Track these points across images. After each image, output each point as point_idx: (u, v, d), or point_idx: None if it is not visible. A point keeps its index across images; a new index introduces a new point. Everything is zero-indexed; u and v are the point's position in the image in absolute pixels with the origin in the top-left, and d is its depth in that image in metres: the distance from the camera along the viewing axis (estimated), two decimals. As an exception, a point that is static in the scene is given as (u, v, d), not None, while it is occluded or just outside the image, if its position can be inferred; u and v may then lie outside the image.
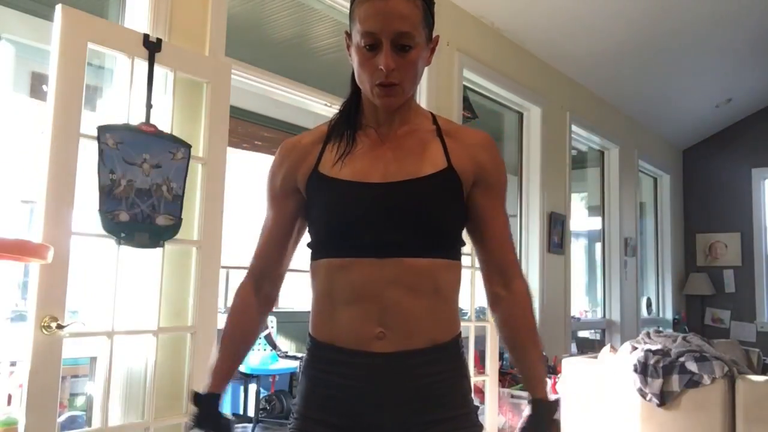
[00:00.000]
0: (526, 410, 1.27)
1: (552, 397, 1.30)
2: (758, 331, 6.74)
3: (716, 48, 5.28)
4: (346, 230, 1.22)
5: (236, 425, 5.22)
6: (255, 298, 1.36)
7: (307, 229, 1.34)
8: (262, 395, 5.25)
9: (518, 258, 1.37)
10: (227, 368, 1.34)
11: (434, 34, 1.28)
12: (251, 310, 1.37)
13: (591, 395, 3.34)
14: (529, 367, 1.30)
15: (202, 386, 1.31)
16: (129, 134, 2.18)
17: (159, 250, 2.27)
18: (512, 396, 3.76)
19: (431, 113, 1.35)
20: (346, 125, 1.30)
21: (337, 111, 1.35)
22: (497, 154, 1.33)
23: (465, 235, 1.32)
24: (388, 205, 1.21)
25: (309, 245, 1.29)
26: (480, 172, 1.28)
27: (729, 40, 5.17)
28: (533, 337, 1.31)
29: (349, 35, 1.27)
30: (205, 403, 1.27)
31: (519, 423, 1.26)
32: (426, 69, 1.30)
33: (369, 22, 1.18)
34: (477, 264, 4.00)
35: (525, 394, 3.70)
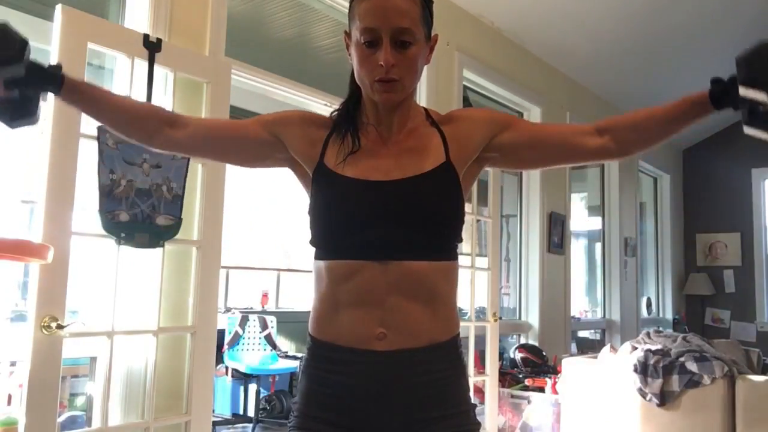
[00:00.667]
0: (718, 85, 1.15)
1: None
2: (758, 331, 6.74)
3: (716, 47, 5.28)
4: (350, 228, 1.22)
5: (236, 425, 5.23)
6: (162, 121, 1.30)
7: (238, 163, 1.37)
8: (262, 395, 5.24)
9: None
10: (94, 90, 1.28)
11: (433, 33, 1.29)
12: (150, 115, 1.31)
13: (591, 395, 3.34)
14: (669, 108, 1.24)
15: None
16: (129, 134, 2.18)
17: (159, 250, 2.27)
18: (512, 396, 3.76)
19: (424, 108, 1.36)
20: (347, 123, 1.30)
21: (335, 109, 1.35)
22: (485, 111, 1.38)
23: (463, 233, 1.32)
24: (390, 202, 1.21)
25: (311, 242, 1.29)
26: (489, 130, 1.30)
27: (729, 39, 5.17)
28: (646, 110, 1.26)
29: (348, 35, 1.27)
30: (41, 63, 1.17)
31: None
32: (426, 69, 1.30)
33: (368, 18, 1.19)
34: (477, 264, 3.98)
35: (525, 394, 3.71)
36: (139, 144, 1.33)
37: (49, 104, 2.02)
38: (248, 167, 1.43)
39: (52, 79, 1.19)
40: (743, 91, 1.10)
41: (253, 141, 1.32)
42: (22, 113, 1.18)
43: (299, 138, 1.31)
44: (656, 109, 1.26)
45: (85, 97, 1.26)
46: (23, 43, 1.13)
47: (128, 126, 1.31)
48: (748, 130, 1.14)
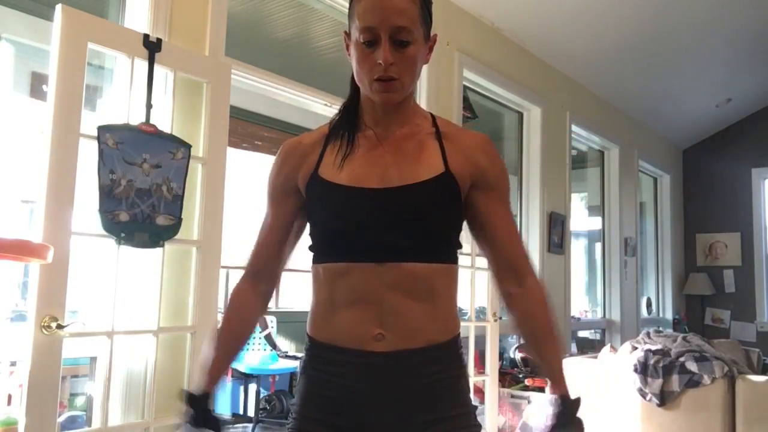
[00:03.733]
0: (551, 409, 1.26)
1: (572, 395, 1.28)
2: (758, 331, 6.74)
3: (716, 48, 5.28)
4: (345, 236, 1.22)
5: (236, 425, 5.22)
6: (252, 296, 1.36)
7: (306, 230, 1.35)
8: (262, 395, 5.24)
9: (529, 254, 1.35)
10: (221, 366, 1.34)
11: (432, 33, 1.28)
12: (248, 309, 1.36)
13: (591, 395, 3.34)
14: (548, 363, 1.30)
15: (194, 385, 1.30)
16: (129, 134, 2.18)
17: (159, 250, 2.27)
18: (512, 396, 3.76)
19: (431, 114, 1.35)
20: (346, 126, 1.30)
21: (337, 111, 1.35)
22: (496, 155, 1.32)
23: (462, 238, 1.32)
24: (386, 211, 1.21)
25: (310, 248, 1.29)
26: (479, 175, 1.28)
27: (729, 39, 5.17)
28: (551, 332, 1.30)
29: (347, 34, 1.27)
30: (199, 403, 1.27)
31: (545, 422, 1.26)
32: (426, 69, 1.30)
33: (367, 17, 1.19)
34: (477, 264, 3.97)
35: (525, 394, 3.71)
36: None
37: (48, 104, 2.03)
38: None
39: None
40: None
41: (292, 214, 1.33)
42: None
43: (300, 165, 1.31)
44: (542, 352, 1.32)
45: (225, 371, 1.36)
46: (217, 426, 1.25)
47: (252, 330, 1.42)
48: None
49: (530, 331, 1.31)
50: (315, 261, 1.27)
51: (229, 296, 1.39)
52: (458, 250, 1.30)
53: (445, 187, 1.24)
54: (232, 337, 1.36)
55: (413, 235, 1.20)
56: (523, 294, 1.30)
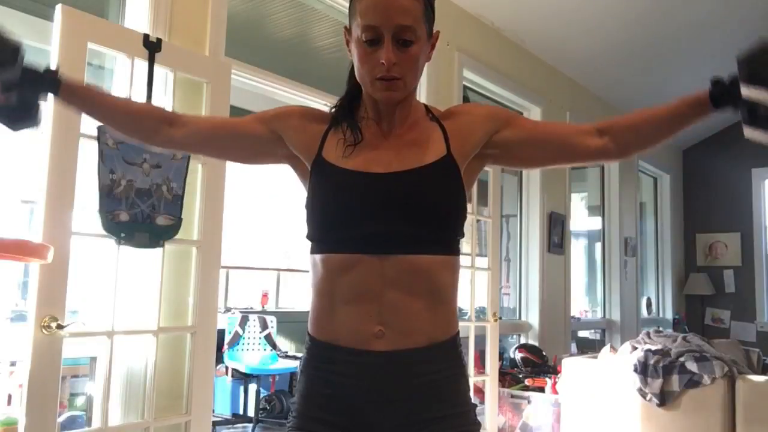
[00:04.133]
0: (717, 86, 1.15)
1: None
2: (758, 331, 6.73)
3: (716, 48, 5.28)
4: (348, 219, 1.21)
5: (236, 425, 5.23)
6: (158, 115, 1.34)
7: (239, 161, 1.40)
8: (262, 395, 5.24)
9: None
10: (92, 92, 1.30)
11: (434, 31, 1.28)
12: (146, 111, 1.37)
13: (591, 395, 3.34)
14: (672, 104, 1.24)
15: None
16: (129, 134, 2.18)
17: (159, 250, 2.27)
18: (512, 396, 3.76)
19: (423, 104, 1.36)
20: (346, 119, 1.29)
21: (334, 105, 1.34)
22: (484, 107, 1.38)
23: (466, 231, 1.32)
24: (391, 193, 1.20)
25: (308, 236, 1.27)
26: (490, 126, 1.30)
27: (729, 39, 5.17)
28: (645, 110, 1.27)
29: (348, 31, 1.26)
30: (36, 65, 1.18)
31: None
32: (426, 69, 1.30)
33: (370, 15, 1.18)
34: (477, 264, 3.96)
35: (525, 394, 3.71)
36: (140, 143, 1.35)
37: (49, 104, 2.02)
38: (248, 164, 1.44)
39: (49, 82, 1.21)
40: (745, 90, 1.10)
41: (252, 138, 1.33)
42: (22, 117, 1.20)
43: (298, 133, 1.31)
44: (656, 111, 1.26)
45: (83, 98, 1.28)
46: (16, 47, 1.13)
47: (128, 126, 1.33)
48: (748, 132, 1.13)
49: (645, 117, 1.27)
50: (314, 251, 1.26)
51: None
52: (460, 240, 1.29)
53: (446, 170, 1.24)
54: (116, 99, 1.35)
55: (419, 218, 1.20)
56: (609, 128, 1.28)
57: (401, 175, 1.22)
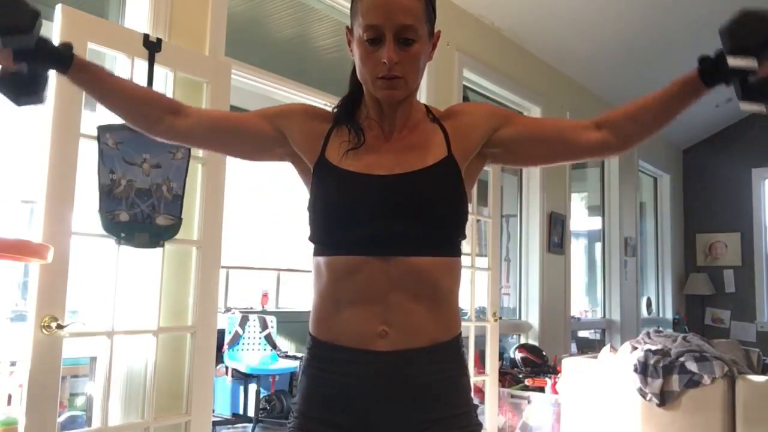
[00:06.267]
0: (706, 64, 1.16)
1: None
2: (758, 331, 6.73)
3: (716, 48, 5.27)
4: (351, 221, 1.21)
5: (236, 425, 5.23)
6: (165, 103, 1.33)
7: (244, 157, 1.38)
8: (262, 395, 5.24)
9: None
10: (101, 72, 1.27)
11: (436, 30, 1.28)
12: (152, 97, 1.35)
13: (591, 395, 3.34)
14: (666, 88, 1.24)
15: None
16: (129, 134, 2.18)
17: (159, 250, 2.27)
18: (512, 396, 3.76)
19: (424, 105, 1.36)
20: (348, 120, 1.29)
21: (336, 105, 1.34)
22: (484, 105, 1.37)
23: (466, 232, 1.32)
24: (393, 196, 1.20)
25: (311, 238, 1.27)
26: (490, 125, 1.30)
27: (729, 40, 5.17)
28: (639, 99, 1.28)
29: (350, 30, 1.26)
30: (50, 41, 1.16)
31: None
32: (426, 69, 1.30)
33: (371, 14, 1.18)
34: (477, 264, 3.95)
35: (525, 394, 3.71)
36: (142, 130, 1.32)
37: (48, 104, 2.02)
38: (249, 160, 1.43)
39: (63, 54, 1.17)
40: (732, 61, 1.10)
41: (255, 134, 1.32)
42: (29, 90, 1.15)
43: (301, 131, 1.30)
44: (650, 98, 1.26)
45: (92, 77, 1.25)
46: (35, 14, 1.09)
47: (132, 111, 1.30)
48: (744, 105, 1.12)
49: (640, 106, 1.27)
50: (318, 253, 1.25)
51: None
52: (462, 241, 1.30)
53: (447, 171, 1.24)
54: (124, 84, 1.32)
55: (421, 221, 1.20)
56: (607, 120, 1.29)
57: (403, 178, 1.22)
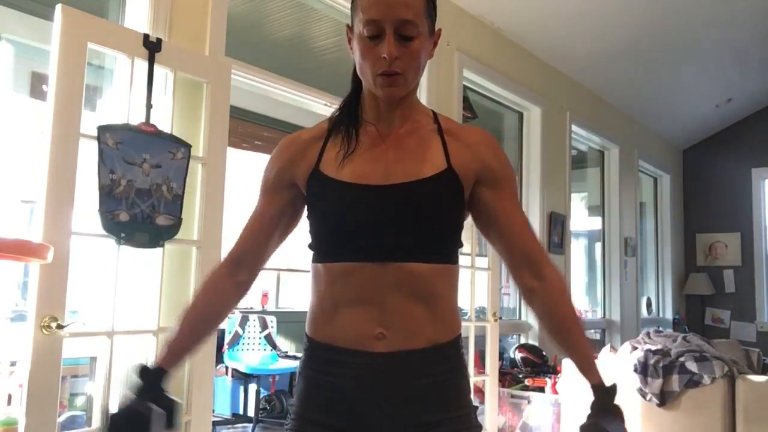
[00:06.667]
0: (589, 398, 1.25)
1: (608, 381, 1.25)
2: (758, 331, 6.74)
3: (716, 48, 5.28)
4: (348, 233, 1.21)
5: (236, 425, 5.22)
6: (228, 282, 1.33)
7: (296, 227, 1.35)
8: (262, 395, 5.24)
9: (543, 246, 1.34)
10: (184, 346, 1.30)
11: (436, 28, 1.27)
12: (223, 294, 1.34)
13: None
14: (579, 353, 1.29)
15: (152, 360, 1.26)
16: (129, 134, 2.18)
17: (159, 250, 2.27)
18: (512, 396, 3.76)
19: (432, 111, 1.34)
20: (347, 121, 1.28)
21: (337, 108, 1.33)
22: (499, 150, 1.33)
23: (463, 234, 1.32)
24: (388, 207, 1.20)
25: (310, 246, 1.28)
26: (484, 170, 1.27)
27: (729, 40, 5.17)
28: (576, 322, 1.30)
29: (350, 28, 1.25)
30: (150, 376, 1.24)
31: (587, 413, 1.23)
32: (426, 69, 1.29)
33: (372, 10, 1.17)
34: (477, 264, 3.95)
35: (525, 394, 3.71)
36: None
37: (48, 104, 2.02)
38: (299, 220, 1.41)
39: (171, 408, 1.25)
40: None
41: (283, 208, 1.32)
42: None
43: (299, 161, 1.29)
44: (570, 343, 1.30)
45: (185, 358, 1.34)
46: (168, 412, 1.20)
47: (219, 320, 1.38)
48: None
49: (555, 323, 1.30)
50: (316, 260, 1.26)
51: (204, 280, 1.37)
52: (459, 249, 1.29)
53: (447, 184, 1.23)
54: (200, 320, 1.32)
55: (416, 232, 1.19)
56: (543, 287, 1.29)
57: (398, 188, 1.21)
